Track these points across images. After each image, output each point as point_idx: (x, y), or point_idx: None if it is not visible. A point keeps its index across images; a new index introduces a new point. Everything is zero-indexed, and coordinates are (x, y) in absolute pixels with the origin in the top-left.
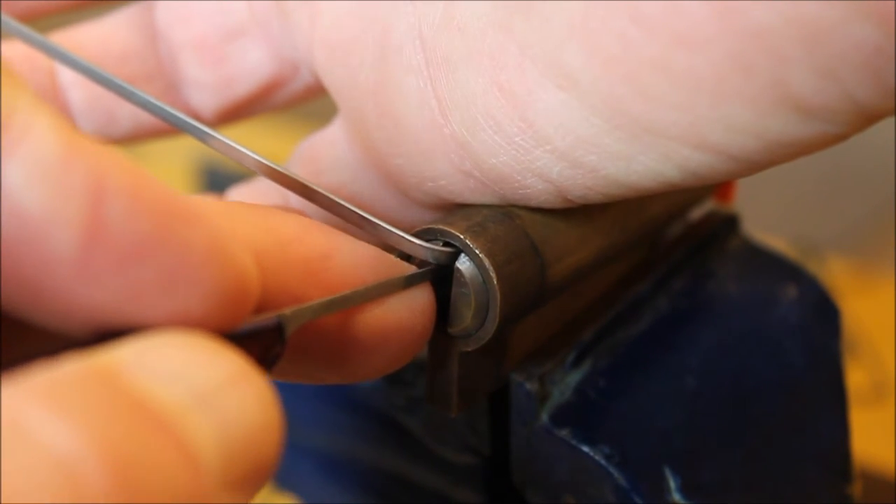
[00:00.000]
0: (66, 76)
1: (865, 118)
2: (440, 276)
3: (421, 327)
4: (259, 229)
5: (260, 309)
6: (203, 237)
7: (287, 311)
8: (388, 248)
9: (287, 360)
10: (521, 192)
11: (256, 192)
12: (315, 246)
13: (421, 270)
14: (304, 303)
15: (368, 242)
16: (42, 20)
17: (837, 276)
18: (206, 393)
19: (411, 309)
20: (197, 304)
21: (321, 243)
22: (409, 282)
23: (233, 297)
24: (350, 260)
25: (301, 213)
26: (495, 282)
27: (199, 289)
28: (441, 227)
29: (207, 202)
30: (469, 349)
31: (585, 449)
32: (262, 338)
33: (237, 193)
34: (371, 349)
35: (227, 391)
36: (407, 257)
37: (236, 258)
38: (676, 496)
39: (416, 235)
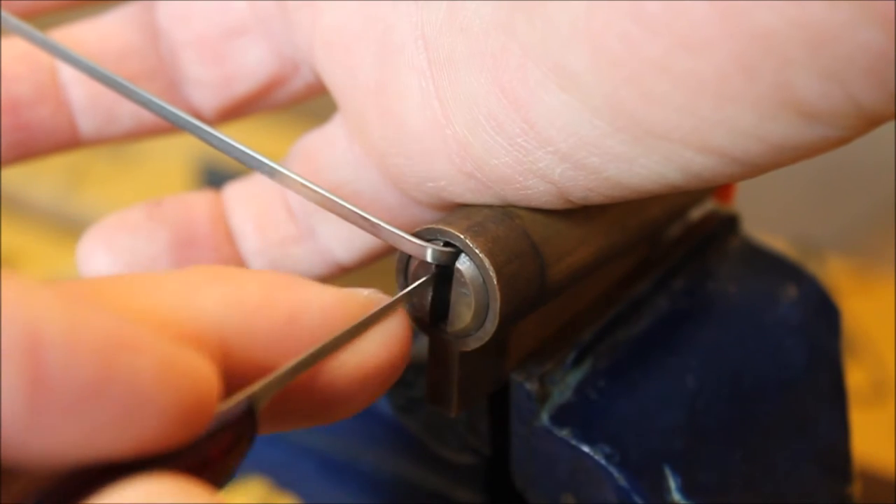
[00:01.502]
0: (67, 74)
1: (868, 122)
2: (441, 276)
3: (398, 359)
4: (220, 303)
5: (226, 383)
6: (151, 362)
7: (255, 387)
8: (387, 248)
9: (268, 423)
10: (522, 193)
11: (253, 190)
12: (280, 310)
13: (391, 300)
14: (269, 375)
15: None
16: (42, 17)
17: (837, 276)
18: None
19: (386, 346)
20: (157, 429)
21: (287, 305)
22: (379, 314)
23: (193, 411)
24: (318, 317)
25: (266, 272)
26: (495, 282)
27: (156, 414)
28: (441, 226)
29: (156, 279)
30: (469, 349)
31: (585, 449)
32: (233, 426)
33: (234, 190)
34: (352, 393)
35: None
36: (405, 264)
37: (190, 371)
38: (676, 496)
39: (416, 235)
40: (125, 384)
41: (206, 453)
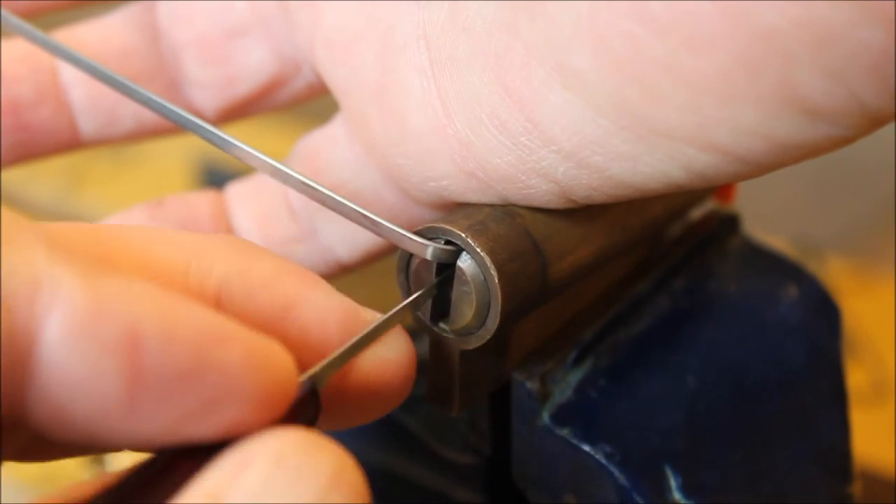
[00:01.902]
0: (67, 75)
1: (871, 120)
2: (442, 274)
3: (405, 377)
4: (230, 268)
5: None
6: (239, 353)
7: (317, 368)
8: (388, 246)
9: None
10: (524, 192)
11: (255, 190)
12: (281, 295)
13: (404, 303)
14: (329, 357)
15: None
16: (43, 18)
17: (837, 276)
18: None
19: (393, 363)
20: (243, 414)
21: (288, 293)
22: (394, 318)
23: (276, 396)
24: (313, 315)
25: (280, 257)
26: (496, 280)
27: (244, 401)
28: (442, 225)
29: (176, 234)
30: (470, 348)
31: (586, 448)
32: (302, 404)
33: (236, 190)
34: (360, 408)
35: (328, 497)
36: (407, 262)
37: (274, 360)
38: (677, 495)
39: (417, 234)
40: (216, 375)
41: None
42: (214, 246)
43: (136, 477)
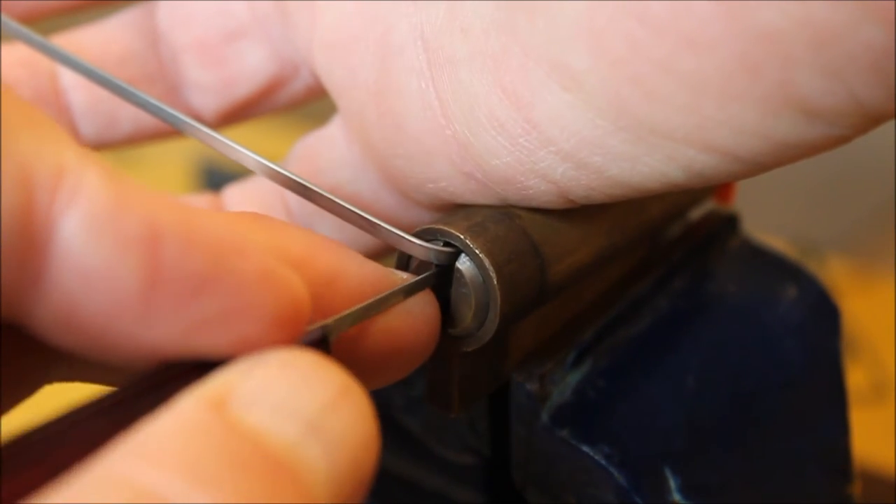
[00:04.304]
0: (67, 79)
1: (870, 120)
2: (441, 276)
3: (428, 336)
4: (267, 252)
5: None
6: (255, 266)
7: (329, 321)
8: (387, 248)
9: None
10: (523, 193)
11: (253, 192)
12: (322, 269)
13: (426, 274)
14: (341, 312)
15: (369, 241)
16: (42, 22)
17: (837, 276)
18: (314, 419)
19: (418, 318)
20: (255, 330)
21: (328, 265)
22: (416, 287)
23: (288, 319)
24: (355, 282)
25: (309, 230)
26: (495, 282)
27: (257, 315)
28: (441, 227)
29: (204, 213)
30: (469, 349)
31: (585, 449)
32: (313, 348)
33: (234, 192)
34: (380, 364)
35: (332, 412)
36: (405, 264)
37: (288, 281)
38: (676, 496)
39: (415, 235)
40: (232, 284)
41: None
42: (244, 228)
43: (144, 381)
